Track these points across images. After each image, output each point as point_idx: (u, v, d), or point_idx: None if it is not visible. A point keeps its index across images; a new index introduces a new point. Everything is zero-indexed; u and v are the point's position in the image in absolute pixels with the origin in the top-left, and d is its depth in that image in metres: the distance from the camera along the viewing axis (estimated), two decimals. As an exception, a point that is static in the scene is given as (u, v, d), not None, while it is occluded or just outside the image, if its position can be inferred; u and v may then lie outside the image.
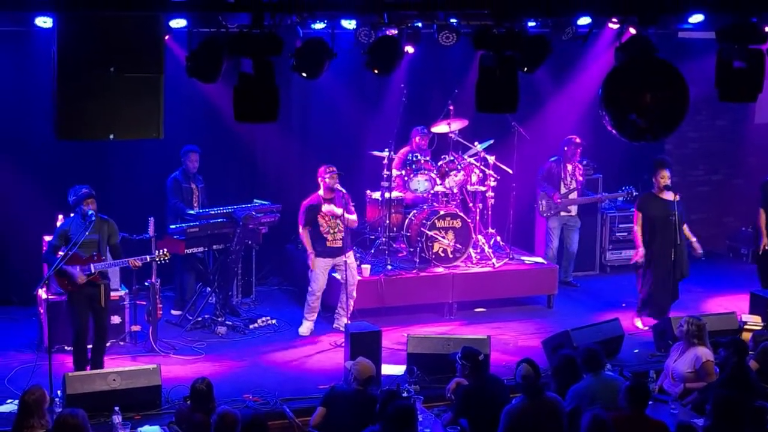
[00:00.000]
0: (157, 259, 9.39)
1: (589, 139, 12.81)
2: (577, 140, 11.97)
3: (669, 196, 10.39)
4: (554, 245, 12.19)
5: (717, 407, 6.69)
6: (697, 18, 9.80)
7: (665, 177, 10.43)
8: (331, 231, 10.29)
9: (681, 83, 6.87)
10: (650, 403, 7.09)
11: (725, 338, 8.32)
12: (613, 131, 6.94)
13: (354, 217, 10.43)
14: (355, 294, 10.38)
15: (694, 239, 10.61)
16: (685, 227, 10.53)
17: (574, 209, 12.24)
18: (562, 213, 12.16)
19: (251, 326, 10.60)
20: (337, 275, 10.48)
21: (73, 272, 8.74)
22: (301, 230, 10.42)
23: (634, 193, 11.94)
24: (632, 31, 8.52)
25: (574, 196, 12.13)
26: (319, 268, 10.36)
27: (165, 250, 9.45)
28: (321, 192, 10.34)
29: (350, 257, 10.40)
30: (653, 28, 7.76)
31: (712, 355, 8.27)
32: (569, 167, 12.08)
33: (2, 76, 10.85)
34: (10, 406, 8.27)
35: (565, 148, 12.00)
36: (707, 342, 8.37)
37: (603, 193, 12.42)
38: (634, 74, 6.94)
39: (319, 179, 10.36)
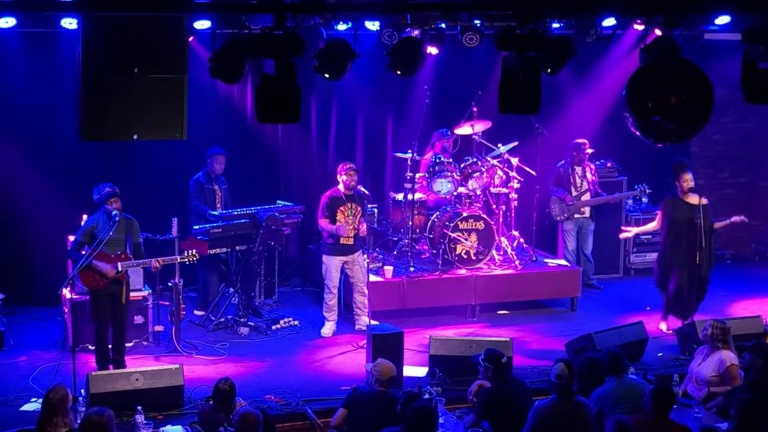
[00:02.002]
0: (187, 260, 9.44)
1: (614, 141, 12.76)
2: (585, 144, 11.90)
3: (694, 199, 10.30)
4: (571, 248, 12.12)
5: (740, 411, 6.63)
6: (723, 19, 9.75)
7: (688, 180, 10.33)
8: (347, 227, 10.30)
9: (706, 85, 6.81)
10: (674, 407, 7.03)
11: (750, 342, 8.24)
12: (637, 133, 6.89)
13: (363, 227, 10.41)
14: (366, 290, 10.37)
15: (728, 221, 10.48)
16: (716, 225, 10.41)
17: (587, 210, 12.17)
18: (576, 215, 12.09)
19: (273, 327, 10.62)
20: (349, 273, 10.49)
21: (102, 267, 8.79)
22: (320, 222, 10.45)
23: (648, 190, 11.88)
24: (657, 32, 8.47)
25: (586, 197, 12.06)
26: (332, 265, 10.38)
27: (194, 250, 9.50)
28: (341, 188, 10.36)
29: (359, 256, 10.40)
30: (679, 30, 7.71)
31: (736, 358, 8.20)
32: (578, 170, 12.02)
33: (28, 77, 10.93)
34: (34, 405, 8.32)
35: (574, 153, 11.94)
36: (732, 345, 8.31)
37: (617, 193, 12.29)
38: (659, 76, 6.89)
39: (338, 176, 10.38)
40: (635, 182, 12.60)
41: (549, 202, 12.09)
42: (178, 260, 9.43)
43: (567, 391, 7.09)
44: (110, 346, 9.07)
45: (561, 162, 12.09)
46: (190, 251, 9.48)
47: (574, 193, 12.01)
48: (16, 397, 8.66)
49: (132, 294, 9.38)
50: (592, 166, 12.16)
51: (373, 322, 10.18)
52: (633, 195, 12.38)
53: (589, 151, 11.96)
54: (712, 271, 10.49)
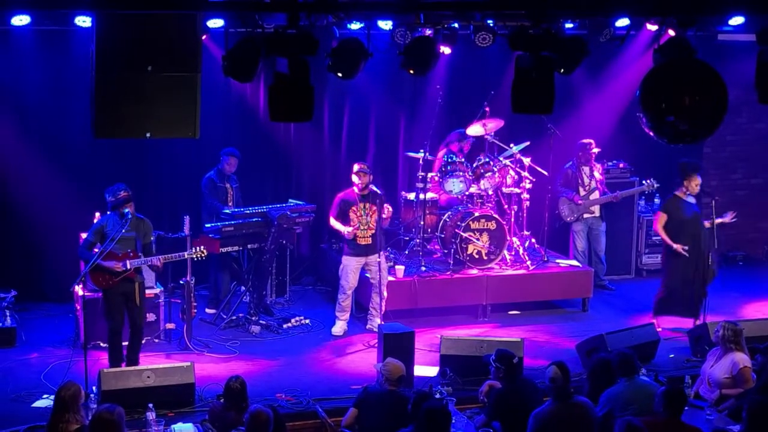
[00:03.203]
0: (195, 256, 9.45)
1: (627, 142, 12.73)
2: (590, 144, 11.87)
3: (692, 199, 10.36)
4: (581, 248, 12.09)
5: (752, 413, 6.59)
6: (737, 20, 9.72)
7: (698, 184, 10.37)
8: (362, 228, 10.29)
9: (720, 85, 6.78)
10: (686, 408, 7.01)
11: (762, 344, 8.21)
12: (651, 133, 6.87)
13: (387, 211, 10.44)
14: (386, 294, 10.38)
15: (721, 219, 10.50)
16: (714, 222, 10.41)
17: (596, 209, 12.14)
18: (585, 215, 12.06)
19: (285, 326, 10.63)
20: (369, 275, 10.48)
21: (109, 266, 8.82)
22: (331, 221, 10.46)
23: (656, 185, 11.84)
24: (671, 32, 8.44)
25: (595, 195, 12.03)
26: (349, 266, 10.36)
27: (202, 247, 9.51)
28: (355, 189, 10.36)
29: (382, 258, 10.40)
30: (692, 30, 7.68)
31: (749, 361, 8.17)
32: (586, 170, 11.98)
33: (42, 75, 10.95)
34: (46, 402, 8.35)
35: (580, 153, 11.91)
36: (744, 347, 8.27)
37: (618, 191, 12.22)
38: (673, 76, 6.86)
39: (352, 176, 10.40)
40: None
41: (558, 204, 12.06)
42: (186, 256, 9.43)
43: (563, 393, 7.09)
44: (125, 344, 9.08)
45: (569, 163, 12.07)
46: (198, 248, 9.49)
47: (583, 193, 11.98)
48: (28, 393, 8.70)
49: (145, 293, 9.37)
50: (599, 166, 12.13)
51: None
52: (641, 190, 12.31)
53: (595, 150, 11.92)
54: (721, 271, 10.49)
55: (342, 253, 10.54)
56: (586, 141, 11.93)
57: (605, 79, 12.62)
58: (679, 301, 10.48)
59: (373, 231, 10.33)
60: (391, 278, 10.73)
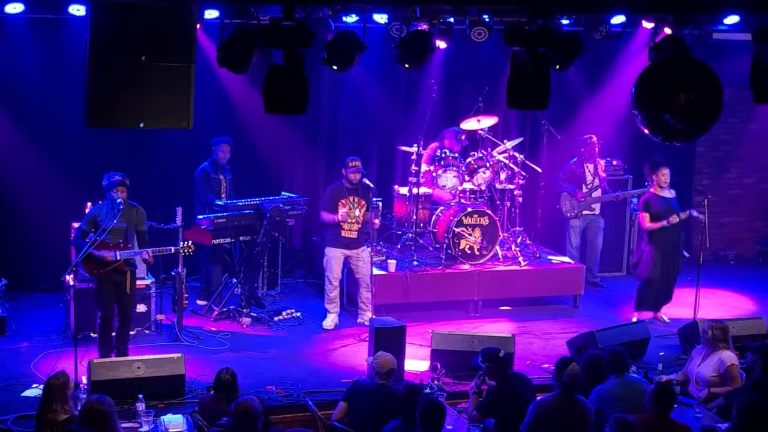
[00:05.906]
0: (182, 251, 9.42)
1: (621, 140, 12.73)
2: (593, 139, 11.90)
3: (668, 193, 10.51)
4: (575, 244, 12.11)
5: (742, 412, 6.61)
6: (732, 19, 9.70)
7: (666, 174, 10.46)
8: (348, 221, 10.30)
9: (715, 84, 6.80)
10: (675, 406, 7.02)
11: (754, 342, 8.23)
12: (646, 131, 6.88)
13: (377, 221, 10.46)
14: (371, 287, 10.36)
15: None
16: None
17: (597, 207, 12.16)
18: (585, 212, 12.08)
19: (276, 318, 10.62)
20: (354, 269, 10.48)
21: (101, 255, 8.80)
22: (321, 214, 10.48)
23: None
24: (667, 31, 8.44)
25: (598, 193, 12.04)
26: (333, 257, 10.37)
27: (189, 242, 9.48)
28: (345, 182, 10.36)
29: (364, 251, 10.39)
30: (688, 29, 7.68)
31: (736, 359, 8.20)
32: (590, 166, 12.00)
33: (35, 63, 10.90)
34: (35, 391, 8.33)
35: (582, 149, 11.92)
36: (731, 346, 8.30)
37: (620, 191, 12.25)
38: (668, 74, 6.88)
39: (342, 170, 10.38)
40: (642, 181, 12.57)
41: (560, 199, 12.06)
42: (173, 251, 9.39)
43: (574, 390, 7.08)
44: (114, 335, 9.07)
45: (573, 159, 12.08)
46: (185, 243, 9.46)
47: (585, 190, 11.99)
48: (17, 382, 8.68)
49: (135, 283, 9.36)
50: (602, 163, 12.13)
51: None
52: (640, 193, 12.34)
53: (595, 139, 11.89)
54: (712, 269, 10.56)
55: (325, 245, 10.53)
56: (587, 136, 11.95)
57: (601, 77, 12.62)
58: (654, 294, 10.64)
59: (359, 225, 10.34)
60: (382, 272, 10.73)
